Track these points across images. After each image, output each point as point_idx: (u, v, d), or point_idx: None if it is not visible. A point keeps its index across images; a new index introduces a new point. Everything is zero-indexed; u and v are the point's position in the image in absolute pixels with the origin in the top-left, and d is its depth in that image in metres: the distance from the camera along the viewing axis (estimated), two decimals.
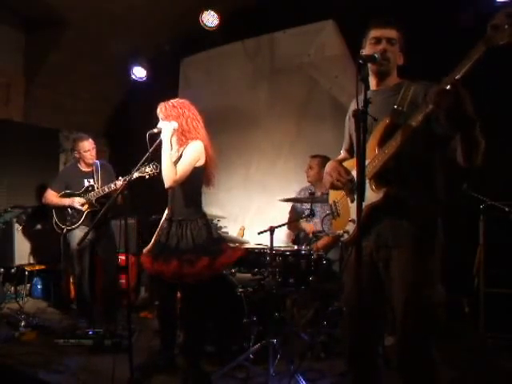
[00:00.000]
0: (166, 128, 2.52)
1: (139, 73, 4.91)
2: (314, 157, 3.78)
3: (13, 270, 4.08)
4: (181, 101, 2.69)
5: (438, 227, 1.74)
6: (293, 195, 3.75)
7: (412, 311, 1.67)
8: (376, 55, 1.67)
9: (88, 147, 3.79)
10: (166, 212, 2.74)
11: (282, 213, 3.90)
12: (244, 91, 4.78)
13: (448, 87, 1.40)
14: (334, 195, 2.04)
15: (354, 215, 1.82)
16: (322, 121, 4.32)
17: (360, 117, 1.45)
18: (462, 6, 3.29)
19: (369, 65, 1.80)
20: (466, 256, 3.33)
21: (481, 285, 3.24)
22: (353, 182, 1.84)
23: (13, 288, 4.25)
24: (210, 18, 4.29)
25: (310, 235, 3.44)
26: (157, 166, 2.93)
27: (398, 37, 1.81)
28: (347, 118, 2.06)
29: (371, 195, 1.72)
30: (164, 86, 5.01)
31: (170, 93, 4.84)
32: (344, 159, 2.04)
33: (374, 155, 1.71)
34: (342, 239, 1.91)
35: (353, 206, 1.85)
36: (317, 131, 4.33)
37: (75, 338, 3.21)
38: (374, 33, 1.82)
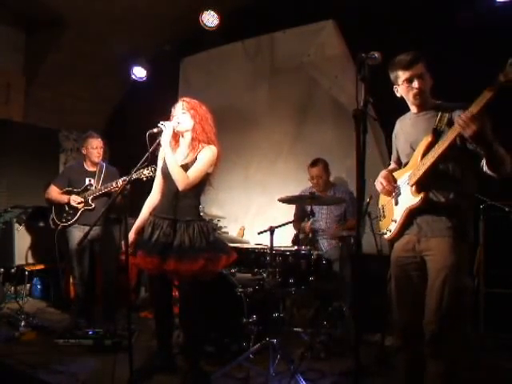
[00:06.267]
0: (165, 131, 2.49)
1: (139, 73, 4.91)
2: (314, 165, 3.78)
3: (13, 270, 4.07)
4: (198, 102, 2.66)
5: (470, 222, 2.01)
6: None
7: (449, 289, 1.87)
8: (376, 55, 1.70)
9: (96, 145, 3.81)
10: (159, 209, 2.66)
11: (282, 213, 3.90)
12: (244, 91, 4.79)
13: (473, 115, 1.70)
14: (382, 200, 2.29)
15: (396, 216, 2.11)
16: (321, 121, 4.32)
17: (359, 117, 1.47)
18: (462, 6, 3.29)
19: (408, 98, 2.07)
20: None
21: (481, 285, 3.24)
22: (397, 188, 2.13)
23: (13, 288, 4.25)
24: (210, 18, 4.29)
25: (309, 235, 3.44)
26: (155, 169, 2.92)
27: (424, 67, 2.01)
28: (393, 134, 2.29)
29: (411, 199, 2.01)
30: (164, 86, 5.02)
31: (170, 93, 4.87)
32: (394, 169, 2.28)
33: (417, 166, 2.00)
34: (385, 237, 2.19)
35: (396, 208, 2.13)
36: (317, 131, 4.33)
37: (75, 338, 3.21)
38: (403, 75, 2.03)
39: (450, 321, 1.87)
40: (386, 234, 2.17)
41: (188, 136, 2.63)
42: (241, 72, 4.83)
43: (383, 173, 2.22)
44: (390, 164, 2.39)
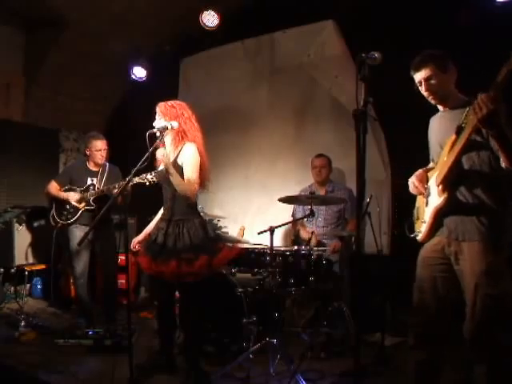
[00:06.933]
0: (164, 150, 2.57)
1: (139, 73, 4.91)
2: (320, 156, 3.85)
3: (13, 270, 4.09)
4: (179, 102, 2.72)
5: (505, 227, 1.91)
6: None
7: (480, 297, 1.84)
8: (376, 55, 1.71)
9: (100, 147, 3.80)
10: (163, 212, 2.73)
11: (282, 213, 3.90)
12: (244, 91, 4.78)
13: (489, 95, 1.66)
14: (418, 202, 2.23)
15: (426, 217, 2.06)
16: (321, 121, 4.32)
17: (359, 117, 1.47)
18: (462, 6, 3.29)
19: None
20: None
21: None
22: (428, 188, 2.07)
23: (13, 288, 4.25)
24: (210, 18, 4.28)
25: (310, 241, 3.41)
26: (158, 175, 2.94)
27: (433, 69, 1.99)
28: (428, 133, 2.22)
29: (436, 200, 1.98)
30: (164, 86, 5.01)
31: (170, 93, 4.86)
32: (430, 169, 2.20)
33: (443, 165, 1.96)
34: (417, 238, 2.13)
35: (426, 209, 2.08)
36: (317, 131, 4.33)
37: (75, 338, 3.21)
38: (415, 78, 2.07)
39: (483, 327, 1.85)
40: (417, 235, 2.13)
41: (169, 137, 2.67)
42: (241, 72, 4.82)
43: (417, 172, 2.18)
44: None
